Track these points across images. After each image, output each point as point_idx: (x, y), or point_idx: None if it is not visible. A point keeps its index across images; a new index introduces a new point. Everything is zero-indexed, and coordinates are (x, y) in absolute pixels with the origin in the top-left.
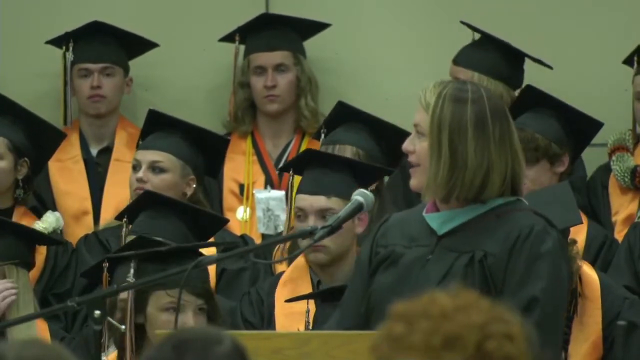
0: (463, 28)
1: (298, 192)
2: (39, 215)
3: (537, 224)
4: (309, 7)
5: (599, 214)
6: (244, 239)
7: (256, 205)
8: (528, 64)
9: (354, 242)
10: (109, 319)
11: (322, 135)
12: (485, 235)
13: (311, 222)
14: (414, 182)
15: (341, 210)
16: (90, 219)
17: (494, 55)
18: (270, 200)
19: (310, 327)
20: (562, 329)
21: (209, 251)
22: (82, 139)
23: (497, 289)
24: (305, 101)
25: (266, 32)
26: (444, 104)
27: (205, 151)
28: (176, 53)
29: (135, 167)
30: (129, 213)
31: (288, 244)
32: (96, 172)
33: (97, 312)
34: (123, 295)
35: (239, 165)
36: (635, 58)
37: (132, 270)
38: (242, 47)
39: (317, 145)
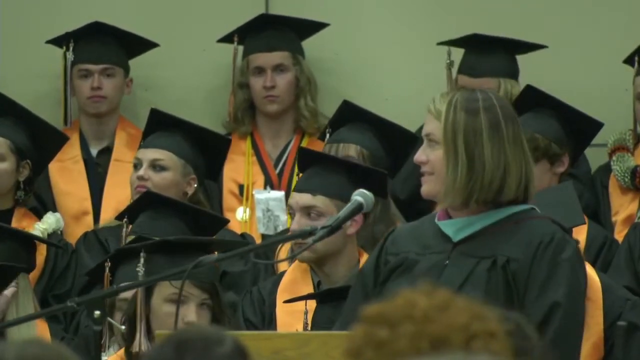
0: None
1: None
2: (39, 216)
3: (557, 232)
4: (309, 7)
5: (599, 214)
6: (244, 237)
7: (256, 206)
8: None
9: (349, 243)
10: (109, 319)
11: (327, 135)
12: (505, 241)
13: (297, 219)
14: (427, 189)
15: (326, 208)
16: (90, 219)
17: (499, 55)
18: (270, 201)
19: (309, 327)
20: (582, 336)
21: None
22: (82, 139)
23: (519, 293)
24: (304, 101)
25: (265, 32)
26: (456, 111)
27: (206, 151)
28: (176, 53)
29: (137, 166)
30: (129, 213)
31: (290, 243)
32: (96, 172)
33: (97, 312)
34: (123, 295)
35: (238, 166)
36: (636, 58)
37: (142, 260)
38: (241, 48)
39: (318, 146)
